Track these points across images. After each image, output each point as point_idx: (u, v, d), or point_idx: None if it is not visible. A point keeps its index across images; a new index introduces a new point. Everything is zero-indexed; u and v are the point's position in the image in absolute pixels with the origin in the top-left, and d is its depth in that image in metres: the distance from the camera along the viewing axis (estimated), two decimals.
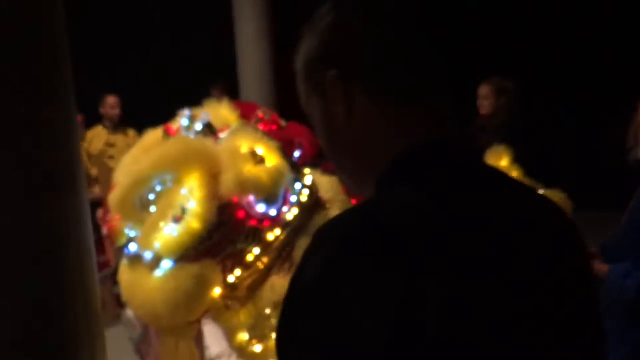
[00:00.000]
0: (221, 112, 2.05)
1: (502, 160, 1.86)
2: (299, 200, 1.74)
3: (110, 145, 4.62)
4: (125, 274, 1.79)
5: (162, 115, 2.07)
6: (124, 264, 1.84)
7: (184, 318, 1.59)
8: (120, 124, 4.69)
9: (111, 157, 4.63)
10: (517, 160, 1.82)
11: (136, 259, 1.75)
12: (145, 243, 1.60)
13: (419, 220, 0.54)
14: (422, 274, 0.51)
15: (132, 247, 1.82)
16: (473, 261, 0.53)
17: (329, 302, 0.51)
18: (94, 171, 4.63)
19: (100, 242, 3.24)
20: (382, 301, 0.49)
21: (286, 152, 1.85)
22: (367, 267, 0.51)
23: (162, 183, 1.57)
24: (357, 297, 0.50)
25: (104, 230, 3.08)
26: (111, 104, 4.57)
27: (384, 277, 0.50)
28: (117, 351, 3.06)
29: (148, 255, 1.62)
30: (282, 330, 0.54)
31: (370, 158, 0.62)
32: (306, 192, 1.79)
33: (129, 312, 3.54)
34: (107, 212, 3.87)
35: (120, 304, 3.04)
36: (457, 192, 0.58)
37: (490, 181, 0.63)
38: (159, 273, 1.60)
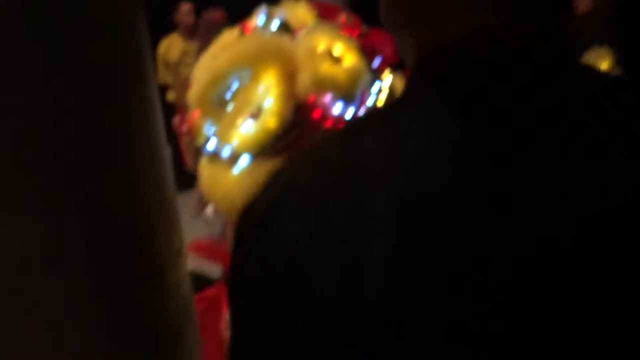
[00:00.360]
0: (298, 11, 1.98)
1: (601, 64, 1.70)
2: (376, 102, 1.70)
3: (186, 53, 4.67)
4: (205, 170, 1.83)
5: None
6: (203, 161, 1.89)
7: None
8: (195, 32, 4.70)
9: (188, 65, 4.68)
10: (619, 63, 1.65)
11: (215, 156, 1.78)
12: (223, 139, 1.63)
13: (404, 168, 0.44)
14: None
15: (211, 145, 1.83)
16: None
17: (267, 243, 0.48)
18: (169, 79, 4.72)
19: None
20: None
21: (366, 54, 1.79)
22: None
23: (239, 79, 1.56)
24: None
25: (183, 129, 3.17)
26: (185, 11, 4.57)
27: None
28: None
29: (226, 152, 1.65)
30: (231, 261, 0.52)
31: (415, 43, 0.51)
32: (384, 95, 1.74)
33: (209, 210, 3.75)
34: (182, 117, 4.00)
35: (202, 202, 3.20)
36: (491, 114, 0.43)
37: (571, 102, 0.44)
38: (236, 169, 1.63)
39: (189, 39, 4.57)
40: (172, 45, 4.60)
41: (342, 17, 3.56)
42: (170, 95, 4.63)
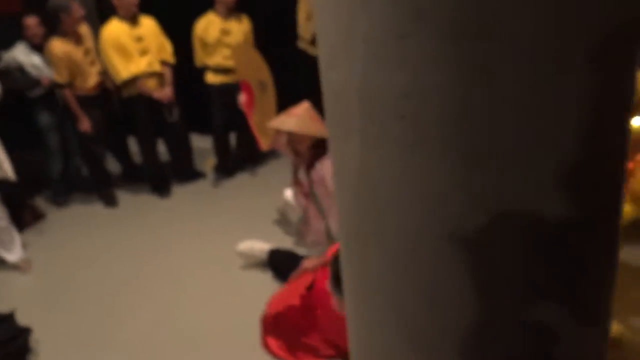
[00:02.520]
0: None
1: None
2: None
3: (225, 32, 4.56)
4: None
5: None
6: None
7: None
8: (234, 10, 4.57)
9: (227, 45, 4.58)
10: None
11: None
12: None
13: None
14: None
15: None
16: None
17: None
18: (207, 59, 4.58)
19: None
20: None
21: None
22: None
23: None
24: None
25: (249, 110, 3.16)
26: None
27: None
28: None
29: None
30: None
31: None
32: None
33: (287, 195, 3.70)
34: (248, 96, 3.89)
35: None
36: None
37: None
38: None
39: (227, 17, 4.46)
40: (210, 24, 4.51)
41: None
42: (210, 77, 4.56)
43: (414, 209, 0.90)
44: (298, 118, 3.36)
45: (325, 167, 3.32)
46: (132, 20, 4.36)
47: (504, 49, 0.77)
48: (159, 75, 4.49)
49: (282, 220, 4.06)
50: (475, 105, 0.80)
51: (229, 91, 4.58)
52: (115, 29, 4.30)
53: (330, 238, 3.52)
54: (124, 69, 4.31)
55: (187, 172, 4.92)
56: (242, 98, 3.92)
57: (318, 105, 4.70)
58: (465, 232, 0.86)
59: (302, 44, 5.14)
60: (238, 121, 4.77)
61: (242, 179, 4.91)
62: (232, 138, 4.96)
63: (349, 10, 0.88)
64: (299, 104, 3.46)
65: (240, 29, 4.56)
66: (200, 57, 4.63)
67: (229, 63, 4.53)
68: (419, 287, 0.94)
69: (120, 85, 4.39)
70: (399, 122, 0.86)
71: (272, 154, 5.19)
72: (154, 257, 3.82)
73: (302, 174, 3.51)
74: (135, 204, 4.63)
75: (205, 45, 4.57)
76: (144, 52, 4.39)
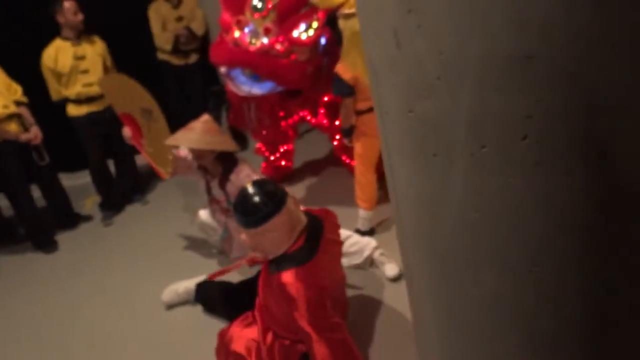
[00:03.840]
0: None
1: None
2: None
3: (80, 58, 4.14)
4: None
5: None
6: None
7: None
8: (83, 32, 4.16)
9: (84, 72, 4.17)
10: None
11: None
12: None
13: None
14: None
15: None
16: None
17: None
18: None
19: None
20: None
21: None
22: None
23: None
24: None
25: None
26: (70, 9, 3.99)
27: None
28: None
29: None
30: None
31: None
32: None
33: (204, 216, 3.49)
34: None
35: None
36: None
37: None
38: None
39: (77, 40, 4.03)
40: (60, 52, 4.03)
41: None
42: (73, 110, 4.11)
43: (537, 225, 0.93)
44: (193, 133, 3.19)
45: (240, 177, 3.22)
46: None
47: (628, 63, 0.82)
48: (17, 117, 3.95)
49: (192, 245, 3.84)
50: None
51: (98, 120, 4.18)
52: None
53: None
54: None
55: (68, 217, 4.40)
56: (127, 132, 3.59)
57: (185, 111, 4.56)
58: (594, 239, 0.91)
59: (163, 56, 4.87)
60: (114, 149, 4.40)
61: (133, 211, 4.53)
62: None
63: (453, 39, 0.86)
64: (198, 118, 3.28)
65: (94, 51, 4.15)
66: (56, 90, 4.14)
67: (91, 90, 4.12)
68: (545, 295, 0.98)
69: None
70: (520, 143, 0.88)
71: (156, 177, 4.88)
72: (59, 324, 3.34)
73: (216, 191, 3.37)
74: (18, 268, 4.04)
75: (59, 75, 4.09)
76: None
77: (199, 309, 3.14)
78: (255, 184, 2.21)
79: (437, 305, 1.11)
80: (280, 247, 2.18)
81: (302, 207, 2.37)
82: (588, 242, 0.91)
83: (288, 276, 2.13)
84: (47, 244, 4.17)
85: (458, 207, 0.98)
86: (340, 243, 2.51)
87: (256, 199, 2.13)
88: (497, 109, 0.87)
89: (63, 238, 4.30)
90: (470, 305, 1.04)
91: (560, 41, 0.81)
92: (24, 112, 3.99)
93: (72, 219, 4.44)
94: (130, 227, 4.32)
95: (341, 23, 3.03)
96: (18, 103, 3.97)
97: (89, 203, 4.74)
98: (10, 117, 3.89)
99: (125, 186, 4.59)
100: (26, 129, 3.98)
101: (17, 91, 4.01)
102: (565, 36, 0.80)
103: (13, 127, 3.91)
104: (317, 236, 2.24)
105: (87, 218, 4.53)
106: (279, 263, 2.19)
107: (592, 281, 0.92)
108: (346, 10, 2.94)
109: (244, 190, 2.21)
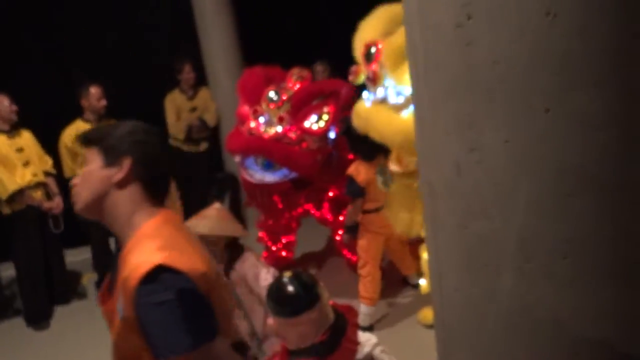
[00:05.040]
0: None
1: None
2: None
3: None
4: (376, 113, 2.79)
5: None
6: (372, 106, 2.85)
7: None
8: (105, 116, 4.40)
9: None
10: None
11: (383, 101, 2.75)
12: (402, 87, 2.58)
13: None
14: None
15: (381, 92, 2.78)
16: None
17: None
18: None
19: None
20: None
21: None
22: None
23: None
24: None
25: None
26: (95, 94, 4.25)
27: None
28: None
29: (400, 99, 2.65)
30: None
31: None
32: None
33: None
34: None
35: None
36: None
37: None
38: (406, 112, 2.60)
39: (98, 123, 4.26)
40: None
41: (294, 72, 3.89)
42: None
43: (572, 331, 1.09)
44: (210, 220, 3.33)
45: (245, 267, 3.32)
46: (11, 131, 3.97)
47: None
48: (43, 186, 4.13)
49: None
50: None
51: None
52: None
53: (254, 338, 3.48)
54: (10, 182, 3.87)
55: (63, 292, 4.40)
56: None
57: (190, 193, 4.73)
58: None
59: (175, 142, 5.11)
60: None
61: None
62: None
63: (509, 175, 1.07)
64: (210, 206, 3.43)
65: None
66: (70, 168, 4.30)
67: None
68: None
69: (4, 200, 3.89)
70: (561, 261, 1.07)
71: None
72: None
73: None
74: (10, 343, 3.97)
75: (75, 155, 4.26)
76: (26, 163, 4.00)
77: None
78: (293, 274, 2.31)
79: None
80: (305, 341, 2.26)
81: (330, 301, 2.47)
82: (619, 341, 1.07)
83: None
84: (39, 319, 4.14)
85: (503, 311, 1.14)
86: (357, 343, 2.59)
87: (292, 289, 2.23)
88: (541, 233, 1.07)
89: (56, 313, 4.27)
90: None
91: (595, 183, 1.02)
92: (51, 182, 4.20)
93: (67, 294, 4.43)
94: None
95: (380, 178, 3.19)
96: (47, 174, 4.17)
97: (84, 279, 4.74)
98: (37, 185, 4.08)
99: None
100: (49, 198, 4.14)
101: (48, 162, 4.24)
102: (599, 179, 1.02)
103: (39, 194, 4.09)
104: (340, 333, 2.33)
105: (82, 295, 4.52)
106: (298, 353, 2.26)
107: None
108: (395, 168, 3.04)
109: (280, 279, 2.31)
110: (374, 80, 2.78)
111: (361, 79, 2.95)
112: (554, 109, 1.01)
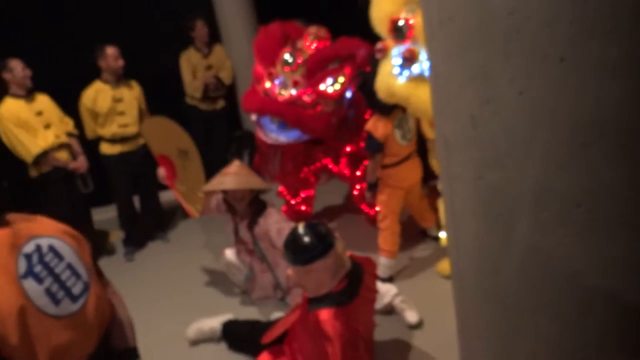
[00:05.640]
0: None
1: None
2: None
3: (117, 100, 4.38)
4: (413, 89, 2.75)
5: None
6: (407, 82, 2.79)
7: None
8: (123, 77, 4.43)
9: (120, 113, 4.41)
10: None
11: (420, 76, 2.72)
12: None
13: None
14: None
15: (416, 69, 2.74)
16: None
17: None
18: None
19: None
20: None
21: None
22: None
23: None
24: None
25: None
26: (112, 55, 4.26)
27: None
28: None
29: None
30: None
31: None
32: None
33: (229, 256, 3.63)
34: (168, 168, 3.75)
35: None
36: None
37: None
38: None
39: (116, 84, 4.29)
40: (99, 94, 4.29)
41: (311, 30, 3.85)
42: (107, 148, 4.33)
43: (587, 277, 1.12)
44: (235, 176, 3.40)
45: (268, 221, 3.39)
46: (28, 95, 4.04)
47: None
48: (67, 147, 4.23)
49: (213, 283, 3.99)
50: None
51: (129, 160, 4.41)
52: (12, 106, 3.94)
53: (278, 289, 3.59)
54: (34, 145, 3.97)
55: (94, 250, 4.55)
56: (161, 172, 3.80)
57: (209, 154, 4.80)
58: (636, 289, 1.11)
59: (192, 101, 5.14)
60: (140, 187, 4.60)
61: (155, 248, 4.69)
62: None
63: (524, 125, 1.08)
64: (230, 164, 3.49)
65: (131, 95, 4.41)
66: (92, 129, 4.38)
67: (126, 131, 4.36)
68: (591, 341, 1.16)
69: (30, 164, 4.01)
70: (575, 210, 1.09)
71: (179, 215, 5.05)
72: None
73: (243, 232, 3.54)
74: None
75: (96, 115, 4.33)
76: (47, 126, 4.09)
77: (223, 346, 3.26)
78: (308, 224, 2.39)
79: (493, 346, 1.30)
80: (322, 287, 2.35)
81: (347, 253, 2.54)
82: (631, 291, 1.10)
83: (326, 314, 2.29)
84: None
85: (518, 261, 1.18)
86: (375, 292, 2.67)
87: (306, 239, 2.31)
88: (557, 183, 1.08)
89: None
90: (525, 346, 1.22)
91: (610, 132, 1.03)
92: (74, 142, 4.31)
93: (96, 252, 4.59)
94: (151, 264, 4.46)
95: (398, 132, 3.27)
96: (69, 134, 4.28)
97: (112, 237, 4.89)
98: (61, 146, 4.18)
99: (149, 223, 4.76)
100: (74, 158, 4.26)
101: (69, 123, 4.33)
102: (615, 129, 1.02)
103: (63, 155, 4.20)
104: (358, 282, 2.41)
105: (110, 252, 4.68)
106: (318, 301, 2.35)
107: (635, 329, 1.11)
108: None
109: (295, 229, 2.39)
110: (411, 59, 2.74)
111: (390, 54, 2.88)
112: (570, 59, 1.00)
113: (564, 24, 0.99)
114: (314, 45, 3.72)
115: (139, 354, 1.62)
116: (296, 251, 2.33)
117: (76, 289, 1.36)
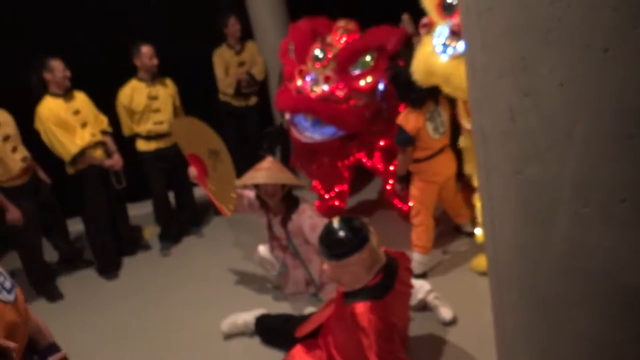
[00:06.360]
0: None
1: None
2: None
3: (153, 98, 4.46)
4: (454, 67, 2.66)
5: None
6: (450, 62, 2.73)
7: None
8: (157, 75, 4.49)
9: (155, 111, 4.48)
10: None
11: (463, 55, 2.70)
12: None
13: None
14: None
15: (461, 46, 2.61)
16: None
17: None
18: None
19: None
20: None
21: None
22: None
23: None
24: None
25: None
26: (147, 53, 4.34)
27: None
28: None
29: None
30: None
31: None
32: None
33: (263, 252, 3.66)
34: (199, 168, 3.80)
35: None
36: None
37: None
38: None
39: (152, 82, 4.36)
40: (135, 92, 4.38)
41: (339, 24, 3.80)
42: (143, 145, 4.41)
43: (627, 274, 1.09)
44: (267, 171, 3.42)
45: (301, 217, 3.40)
46: (66, 94, 4.14)
47: None
48: (102, 145, 4.33)
49: (246, 278, 4.03)
50: None
51: (164, 156, 4.48)
52: (52, 105, 4.04)
53: (311, 285, 3.60)
54: (72, 144, 4.08)
55: (130, 244, 4.67)
56: (192, 172, 3.85)
57: (242, 150, 4.82)
58: None
59: (225, 97, 5.19)
60: (175, 183, 4.68)
61: (190, 243, 4.77)
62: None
63: (565, 119, 1.05)
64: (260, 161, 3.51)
65: (166, 92, 4.48)
66: (129, 126, 4.47)
67: (161, 128, 4.44)
68: (632, 335, 1.13)
69: (68, 162, 4.14)
70: (619, 205, 1.05)
71: (212, 212, 5.11)
72: (120, 349, 3.53)
73: (276, 228, 3.56)
74: (83, 293, 4.27)
75: (132, 113, 4.42)
76: (84, 125, 4.20)
77: (256, 340, 3.29)
78: (342, 219, 2.39)
79: (531, 340, 1.27)
80: (358, 282, 2.34)
81: (381, 248, 2.53)
82: None
83: (362, 307, 2.29)
84: (110, 269, 4.42)
85: (558, 256, 1.15)
86: (410, 286, 2.65)
87: (341, 233, 2.32)
88: (599, 177, 1.05)
89: (123, 265, 4.56)
90: (564, 340, 1.19)
91: None
92: (108, 140, 4.38)
93: (132, 247, 4.70)
94: (187, 258, 4.54)
95: (430, 125, 3.25)
96: (104, 132, 4.35)
97: (147, 233, 4.99)
98: (96, 144, 4.27)
99: (184, 219, 4.84)
100: (109, 155, 4.35)
101: (104, 121, 4.40)
102: None
103: (99, 153, 4.29)
104: (393, 276, 2.40)
105: (146, 247, 4.78)
106: (354, 295, 2.35)
107: None
108: (468, 125, 3.04)
109: (330, 224, 2.39)
110: (459, 34, 2.64)
111: (435, 31, 2.82)
112: (613, 49, 0.97)
113: (606, 12, 0.96)
114: (343, 39, 3.70)
115: (59, 347, 1.91)
116: (331, 245, 2.33)
117: (7, 284, 1.68)
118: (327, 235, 2.36)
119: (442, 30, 2.76)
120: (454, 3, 2.70)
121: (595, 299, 1.12)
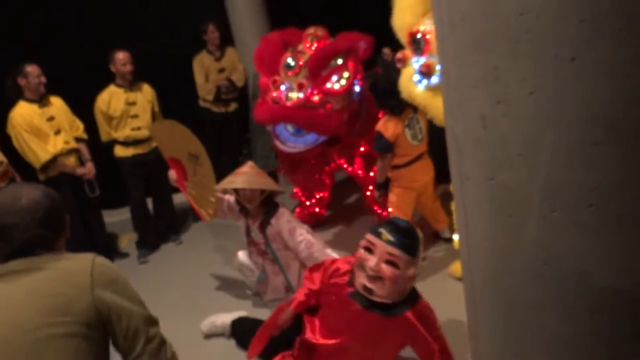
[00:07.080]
0: None
1: None
2: None
3: (131, 103, 4.42)
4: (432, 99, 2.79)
5: None
6: (425, 91, 2.85)
7: None
8: (135, 80, 4.47)
9: (133, 116, 4.45)
10: None
11: (438, 87, 2.69)
12: None
13: None
14: None
15: (435, 80, 2.78)
16: None
17: None
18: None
19: None
20: None
21: None
22: None
23: None
24: None
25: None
26: (121, 60, 4.30)
27: None
28: None
29: None
30: None
31: None
32: None
33: (242, 258, 3.64)
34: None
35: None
36: None
37: None
38: None
39: (129, 87, 4.33)
40: (113, 97, 4.34)
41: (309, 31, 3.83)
42: (120, 151, 4.38)
43: (597, 277, 1.12)
44: (245, 175, 3.42)
45: (280, 222, 3.40)
46: (41, 100, 4.09)
47: None
48: (75, 152, 4.27)
49: (225, 284, 4.01)
50: None
51: (142, 162, 4.45)
52: (25, 111, 3.99)
53: (289, 291, 3.60)
54: (43, 151, 4.02)
55: (106, 252, 4.60)
56: (172, 175, 3.83)
57: (221, 156, 4.81)
58: None
59: (205, 104, 5.18)
60: (154, 189, 4.64)
61: (168, 250, 4.73)
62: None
63: (535, 126, 1.08)
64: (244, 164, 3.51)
65: (144, 98, 4.46)
66: (106, 132, 4.42)
67: (139, 134, 4.41)
68: (602, 338, 1.16)
69: (39, 169, 4.06)
70: (586, 210, 1.08)
71: (191, 218, 5.08)
72: None
73: (254, 233, 3.55)
74: None
75: (110, 118, 4.38)
76: (57, 131, 4.13)
77: (233, 342, 3.28)
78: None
79: (503, 345, 1.29)
80: (402, 293, 2.32)
81: None
82: (635, 300, 1.10)
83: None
84: None
85: (529, 260, 1.18)
86: None
87: (413, 231, 2.34)
88: (567, 182, 1.08)
89: None
90: (536, 345, 1.22)
91: (621, 131, 1.02)
92: (83, 148, 4.32)
93: (109, 254, 4.63)
94: (165, 265, 4.49)
95: (409, 132, 3.32)
96: (78, 139, 4.29)
97: (124, 240, 4.94)
98: (70, 151, 4.20)
99: (162, 225, 4.80)
100: (82, 163, 4.29)
101: (79, 128, 4.34)
102: (625, 128, 1.02)
103: (71, 161, 4.22)
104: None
105: (123, 254, 4.72)
106: (400, 305, 2.30)
107: None
108: None
109: (400, 219, 2.39)
110: (428, 74, 2.81)
111: (409, 64, 2.96)
112: (580, 58, 1.00)
113: (574, 23, 1.00)
114: (314, 46, 3.73)
115: None
116: (409, 237, 2.29)
117: None
118: (406, 228, 2.32)
119: (415, 64, 2.90)
120: (421, 42, 2.83)
121: (565, 302, 1.15)
